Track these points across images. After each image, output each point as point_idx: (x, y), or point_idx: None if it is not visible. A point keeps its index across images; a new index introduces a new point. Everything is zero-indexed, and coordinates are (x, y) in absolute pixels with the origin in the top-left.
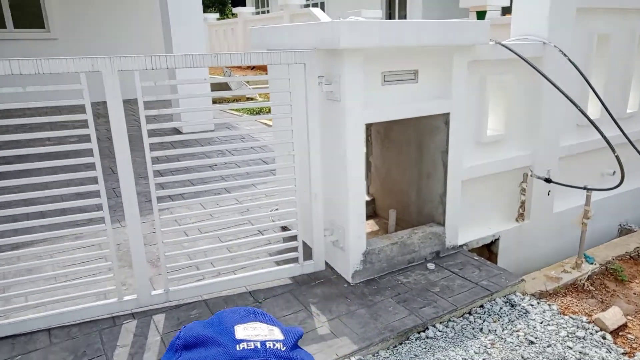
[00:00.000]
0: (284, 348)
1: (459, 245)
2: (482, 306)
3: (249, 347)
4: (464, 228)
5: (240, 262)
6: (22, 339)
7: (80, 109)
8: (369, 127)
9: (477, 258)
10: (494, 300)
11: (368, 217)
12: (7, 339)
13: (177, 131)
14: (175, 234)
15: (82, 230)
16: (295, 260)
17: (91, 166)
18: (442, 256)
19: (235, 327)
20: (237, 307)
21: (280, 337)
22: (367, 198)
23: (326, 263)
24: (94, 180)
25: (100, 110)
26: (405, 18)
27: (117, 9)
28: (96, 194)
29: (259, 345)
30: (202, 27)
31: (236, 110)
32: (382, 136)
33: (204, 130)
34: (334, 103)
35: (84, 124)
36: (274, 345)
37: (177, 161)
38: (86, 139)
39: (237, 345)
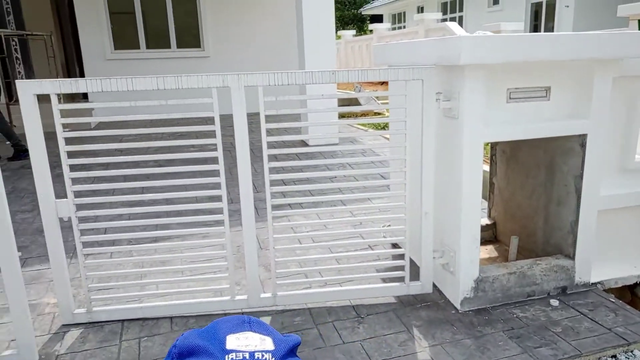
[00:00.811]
0: (273, 359)
1: (592, 283)
2: (614, 357)
3: (237, 358)
4: (599, 264)
5: (348, 275)
6: (150, 323)
7: (211, 120)
8: (494, 146)
9: (613, 300)
10: (632, 352)
11: (487, 242)
12: (138, 320)
13: (304, 143)
14: (290, 241)
15: (209, 230)
16: (401, 279)
17: (217, 173)
18: (568, 293)
19: (227, 337)
20: (234, 315)
21: (271, 347)
22: (487, 221)
23: (434, 285)
24: (219, 186)
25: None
26: (552, 30)
27: (259, 30)
28: (220, 198)
29: (247, 355)
30: (333, 44)
31: (362, 125)
32: (507, 156)
33: (329, 144)
34: (451, 120)
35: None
36: (262, 355)
37: (300, 172)
38: (214, 147)
39: (227, 356)
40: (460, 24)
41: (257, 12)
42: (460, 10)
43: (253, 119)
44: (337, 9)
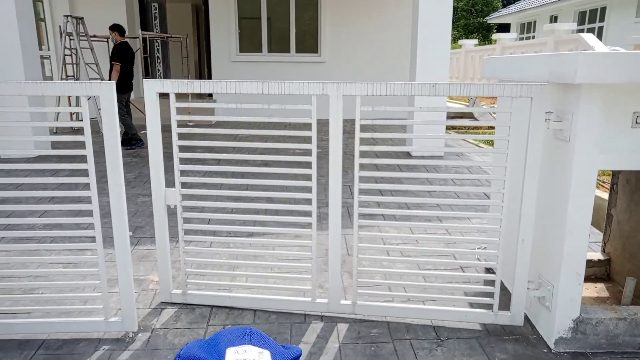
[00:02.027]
0: None
1: None
2: None
3: None
4: None
5: (432, 294)
6: (235, 312)
7: (308, 127)
8: (615, 174)
9: None
10: None
11: (597, 279)
12: (225, 308)
13: (408, 155)
14: (377, 252)
15: (301, 232)
16: (490, 306)
17: (308, 177)
18: None
19: (227, 350)
20: (236, 326)
21: None
22: (600, 257)
23: (526, 318)
24: (309, 190)
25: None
26: None
27: (375, 39)
28: (308, 202)
29: None
30: (447, 55)
31: (475, 140)
32: (632, 187)
33: (433, 156)
34: (561, 142)
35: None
36: None
37: (400, 183)
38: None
39: None
40: (600, 35)
41: (375, 21)
42: (602, 20)
43: (365, 127)
44: (462, 17)
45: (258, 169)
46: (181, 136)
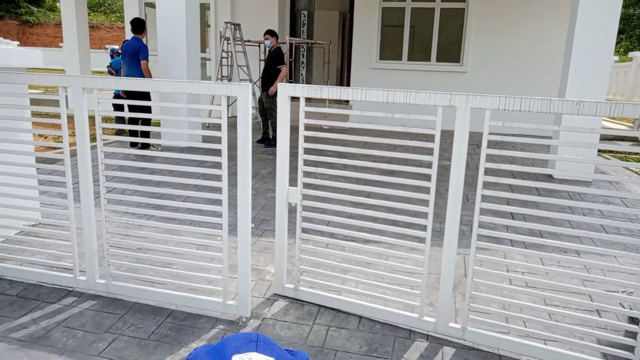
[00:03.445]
0: None
1: None
2: None
3: None
4: None
5: (557, 334)
6: (341, 315)
7: (430, 137)
8: None
9: None
10: None
11: None
12: (332, 309)
13: (550, 177)
14: (498, 279)
15: (416, 245)
16: None
17: (426, 190)
18: None
19: (232, 357)
20: (244, 333)
21: None
22: None
23: None
24: (426, 204)
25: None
26: None
27: (523, 51)
28: (425, 215)
29: None
30: (609, 67)
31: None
32: None
33: (579, 182)
34: None
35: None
36: None
37: (536, 208)
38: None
39: None
40: None
41: (525, 33)
42: None
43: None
44: (638, 26)
45: (381, 177)
46: (307, 139)
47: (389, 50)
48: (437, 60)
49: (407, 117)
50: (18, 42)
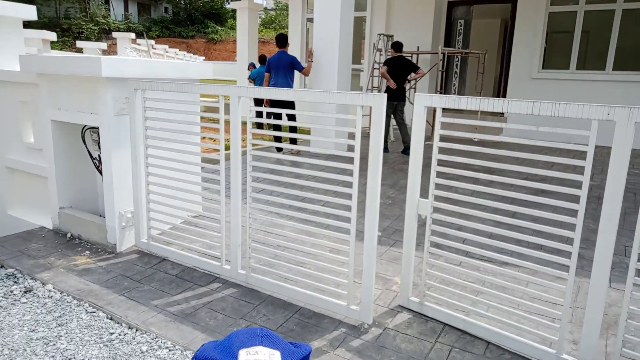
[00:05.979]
0: None
1: None
2: None
3: None
4: None
5: None
6: (467, 338)
7: (582, 155)
8: None
9: None
10: None
11: None
12: (458, 330)
13: None
14: None
15: (559, 274)
16: None
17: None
18: None
19: (239, 351)
20: (249, 327)
21: None
22: None
23: None
24: (571, 228)
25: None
26: None
27: None
28: (564, 239)
29: None
30: None
31: None
32: None
33: None
34: None
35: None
36: None
37: None
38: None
39: None
40: None
41: None
42: None
43: None
44: None
45: (526, 196)
46: (442, 150)
47: (554, 58)
48: (614, 69)
49: (554, 130)
50: (204, 57)
